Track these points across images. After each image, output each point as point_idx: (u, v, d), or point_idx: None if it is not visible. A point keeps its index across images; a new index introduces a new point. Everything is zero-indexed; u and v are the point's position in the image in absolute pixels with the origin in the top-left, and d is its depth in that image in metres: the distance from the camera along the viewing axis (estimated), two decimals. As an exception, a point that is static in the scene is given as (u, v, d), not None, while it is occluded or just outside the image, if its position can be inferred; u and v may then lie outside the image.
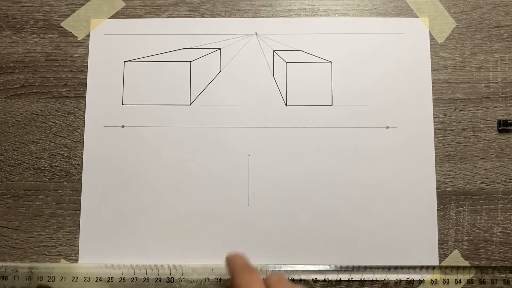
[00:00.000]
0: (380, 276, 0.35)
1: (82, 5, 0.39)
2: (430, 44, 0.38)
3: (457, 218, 0.36)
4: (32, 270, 0.35)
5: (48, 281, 0.35)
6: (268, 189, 0.36)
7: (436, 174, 0.36)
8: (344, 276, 0.35)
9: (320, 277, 0.35)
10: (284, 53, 0.38)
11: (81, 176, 0.37)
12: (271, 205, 0.36)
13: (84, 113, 0.37)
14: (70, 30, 0.39)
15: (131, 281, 0.35)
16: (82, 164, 0.37)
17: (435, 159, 0.37)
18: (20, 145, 0.37)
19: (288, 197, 0.36)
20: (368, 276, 0.35)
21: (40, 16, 0.39)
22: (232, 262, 0.30)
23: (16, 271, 0.35)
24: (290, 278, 0.35)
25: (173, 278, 0.35)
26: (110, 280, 0.35)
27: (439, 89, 0.37)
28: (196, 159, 0.37)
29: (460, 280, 0.35)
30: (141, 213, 0.36)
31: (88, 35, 0.38)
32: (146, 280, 0.35)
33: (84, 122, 0.37)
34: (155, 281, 0.35)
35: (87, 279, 0.35)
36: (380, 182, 0.36)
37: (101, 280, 0.35)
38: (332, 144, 0.37)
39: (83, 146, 0.37)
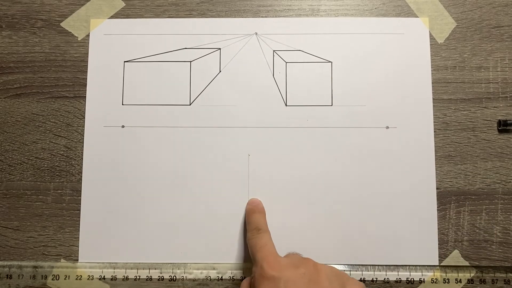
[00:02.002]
0: (380, 275, 0.35)
1: (82, 5, 0.39)
2: (430, 44, 0.38)
3: (457, 218, 0.36)
4: (37, 269, 0.35)
5: (52, 279, 0.35)
6: (268, 189, 0.36)
7: (436, 174, 0.36)
8: (344, 276, 0.35)
9: (320, 277, 0.35)
10: (284, 53, 0.38)
11: (81, 176, 0.37)
12: (271, 205, 0.36)
13: (84, 113, 0.37)
14: (70, 30, 0.39)
15: (134, 280, 0.35)
16: (82, 164, 0.37)
17: (435, 159, 0.37)
18: (20, 145, 0.37)
19: (288, 197, 0.36)
20: (368, 275, 0.35)
21: (40, 16, 0.39)
22: (247, 219, 0.35)
23: (21, 269, 0.35)
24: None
25: (175, 277, 0.35)
26: (113, 279, 0.35)
27: (439, 89, 0.37)
28: (196, 159, 0.37)
29: (460, 279, 0.35)
30: (141, 213, 0.36)
31: (88, 35, 0.38)
32: (149, 278, 0.35)
33: (84, 122, 0.37)
34: (158, 280, 0.35)
35: (91, 277, 0.35)
36: (380, 182, 0.36)
37: (104, 279, 0.35)
38: (332, 144, 0.37)
39: (83, 146, 0.37)
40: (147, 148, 0.37)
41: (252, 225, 0.34)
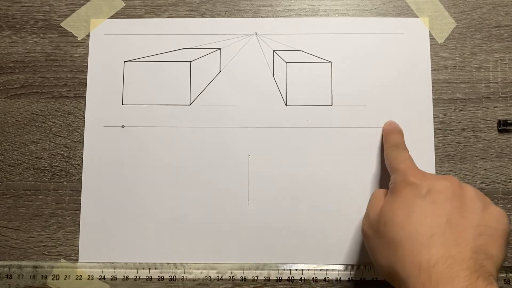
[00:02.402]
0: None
1: (82, 5, 0.39)
2: (430, 44, 0.38)
3: (457, 218, 0.36)
4: (37, 269, 0.35)
5: (52, 279, 0.35)
6: (268, 189, 0.36)
7: (436, 174, 0.36)
8: (345, 275, 0.35)
9: (321, 276, 0.35)
10: (284, 53, 0.38)
11: (81, 176, 0.37)
12: (271, 205, 0.36)
13: (84, 113, 0.37)
14: (70, 30, 0.39)
15: (134, 280, 0.35)
16: (82, 164, 0.37)
17: (435, 159, 0.37)
18: (20, 145, 0.37)
19: (288, 197, 0.36)
20: (368, 275, 0.35)
21: (40, 16, 0.39)
22: (386, 137, 0.36)
23: (21, 269, 0.35)
24: (290, 278, 0.35)
25: (175, 277, 0.35)
26: (113, 279, 0.35)
27: (439, 89, 0.37)
28: (196, 159, 0.37)
29: (460, 280, 0.35)
30: (141, 213, 0.36)
31: (88, 35, 0.38)
32: (149, 278, 0.35)
33: (84, 122, 0.37)
34: (158, 280, 0.35)
35: (91, 277, 0.35)
36: (380, 182, 0.36)
37: (104, 279, 0.35)
38: (332, 144, 0.37)
39: (83, 146, 0.37)
40: (147, 148, 0.37)
41: (391, 142, 0.34)
